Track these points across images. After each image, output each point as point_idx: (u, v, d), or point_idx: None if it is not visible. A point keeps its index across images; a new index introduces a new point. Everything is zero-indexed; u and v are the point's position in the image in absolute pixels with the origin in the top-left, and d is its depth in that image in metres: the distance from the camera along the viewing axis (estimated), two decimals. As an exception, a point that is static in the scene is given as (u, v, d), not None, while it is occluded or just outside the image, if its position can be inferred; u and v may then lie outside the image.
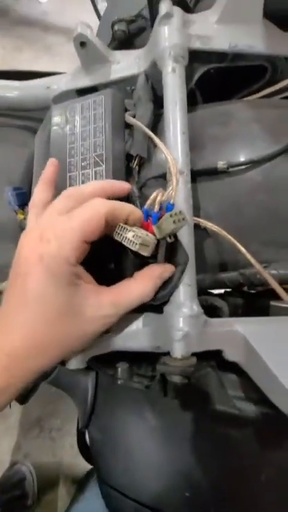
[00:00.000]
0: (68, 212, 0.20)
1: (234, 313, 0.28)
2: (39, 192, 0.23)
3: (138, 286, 0.21)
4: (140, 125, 0.26)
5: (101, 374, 0.30)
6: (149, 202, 0.20)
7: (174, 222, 0.19)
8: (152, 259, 0.22)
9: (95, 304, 0.19)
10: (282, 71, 0.32)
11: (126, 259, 0.23)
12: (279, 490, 0.21)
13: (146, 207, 0.20)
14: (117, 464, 0.28)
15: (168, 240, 0.20)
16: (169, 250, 0.21)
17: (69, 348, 0.20)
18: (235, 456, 0.22)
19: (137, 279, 0.21)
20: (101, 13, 0.48)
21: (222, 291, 0.32)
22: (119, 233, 0.19)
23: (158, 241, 0.20)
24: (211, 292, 0.30)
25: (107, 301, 0.20)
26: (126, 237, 0.19)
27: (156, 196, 0.20)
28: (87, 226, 0.19)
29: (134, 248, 0.19)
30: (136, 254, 0.20)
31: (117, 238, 0.19)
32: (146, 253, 0.19)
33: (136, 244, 0.19)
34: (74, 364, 0.23)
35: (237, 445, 0.22)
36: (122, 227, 0.19)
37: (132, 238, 0.19)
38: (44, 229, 0.19)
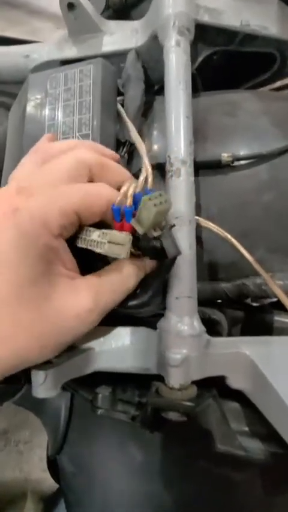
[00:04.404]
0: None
1: (233, 328, 0.25)
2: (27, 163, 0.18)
3: (119, 272, 0.17)
4: (123, 112, 0.22)
5: (77, 396, 0.25)
6: (119, 198, 0.16)
7: (155, 205, 0.15)
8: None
9: (68, 292, 0.15)
10: (291, 62, 0.30)
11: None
12: None
13: (116, 204, 0.16)
14: (92, 503, 0.24)
15: (154, 233, 0.16)
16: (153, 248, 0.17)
17: (34, 342, 0.14)
18: (239, 504, 0.18)
19: (116, 265, 0.17)
20: None
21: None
22: (82, 238, 0.16)
23: (140, 240, 0.16)
24: (207, 303, 0.26)
25: (83, 290, 0.15)
26: (91, 240, 0.15)
27: (128, 190, 0.16)
28: (90, 196, 0.15)
29: (103, 250, 0.15)
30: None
31: (82, 245, 0.16)
32: (122, 254, 0.15)
33: (104, 243, 0.15)
34: (43, 391, 0.18)
35: (241, 492, 0.18)
36: (86, 230, 0.16)
37: (98, 238, 0.15)
38: (24, 182, 0.15)
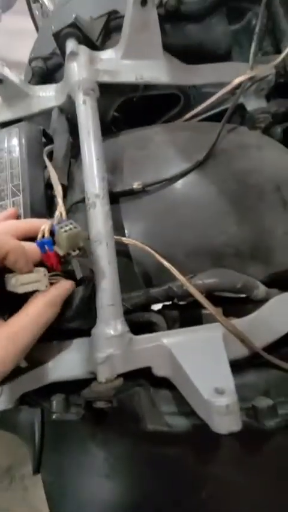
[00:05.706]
0: None
1: (173, 326, 0.28)
2: None
3: (32, 310, 0.19)
4: (47, 162, 0.27)
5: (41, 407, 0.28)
6: (39, 236, 0.20)
7: (65, 231, 0.19)
8: None
9: None
10: (194, 96, 0.35)
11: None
12: (222, 505, 0.21)
13: (38, 240, 0.20)
14: (65, 507, 0.26)
15: (73, 253, 0.20)
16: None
17: None
18: (173, 475, 0.21)
19: (29, 304, 0.20)
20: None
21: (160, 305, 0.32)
22: (6, 283, 0.19)
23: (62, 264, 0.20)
24: (149, 308, 0.30)
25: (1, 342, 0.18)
26: (11, 285, 0.19)
27: (45, 228, 0.20)
28: None
29: (20, 291, 0.19)
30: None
31: (8, 288, 0.19)
32: (41, 287, 0.19)
33: (18, 287, 0.18)
34: (0, 405, 0.22)
35: (173, 464, 0.21)
36: (6, 277, 0.19)
37: (15, 282, 0.18)
38: None
